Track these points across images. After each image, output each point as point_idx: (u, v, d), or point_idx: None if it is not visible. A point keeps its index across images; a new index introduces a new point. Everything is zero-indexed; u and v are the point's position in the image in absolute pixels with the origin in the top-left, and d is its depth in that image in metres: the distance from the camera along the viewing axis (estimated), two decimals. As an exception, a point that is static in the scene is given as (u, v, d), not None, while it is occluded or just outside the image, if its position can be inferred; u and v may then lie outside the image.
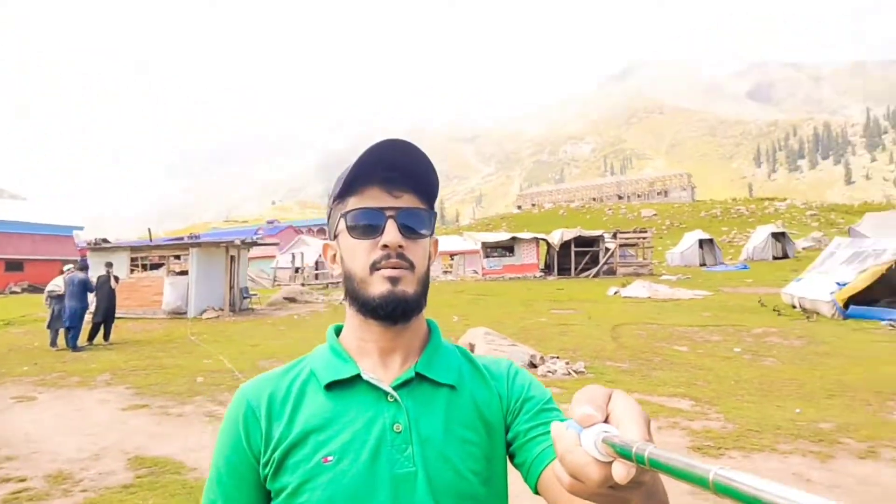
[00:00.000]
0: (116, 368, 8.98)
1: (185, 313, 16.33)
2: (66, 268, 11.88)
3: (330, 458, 0.76)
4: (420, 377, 0.84)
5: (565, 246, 30.94)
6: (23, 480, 4.45)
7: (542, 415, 0.83)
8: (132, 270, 17.24)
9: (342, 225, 0.85)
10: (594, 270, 30.34)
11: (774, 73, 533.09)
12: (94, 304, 11.71)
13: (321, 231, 78.34)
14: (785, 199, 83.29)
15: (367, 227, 0.83)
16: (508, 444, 0.85)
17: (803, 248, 38.45)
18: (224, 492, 0.81)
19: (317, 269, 34.49)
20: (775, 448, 4.87)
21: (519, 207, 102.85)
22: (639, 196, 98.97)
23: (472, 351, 7.46)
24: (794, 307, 14.73)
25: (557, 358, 8.24)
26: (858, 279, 12.91)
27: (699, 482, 0.35)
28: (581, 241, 31.20)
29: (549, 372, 7.63)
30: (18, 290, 36.08)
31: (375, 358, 0.85)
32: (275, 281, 33.49)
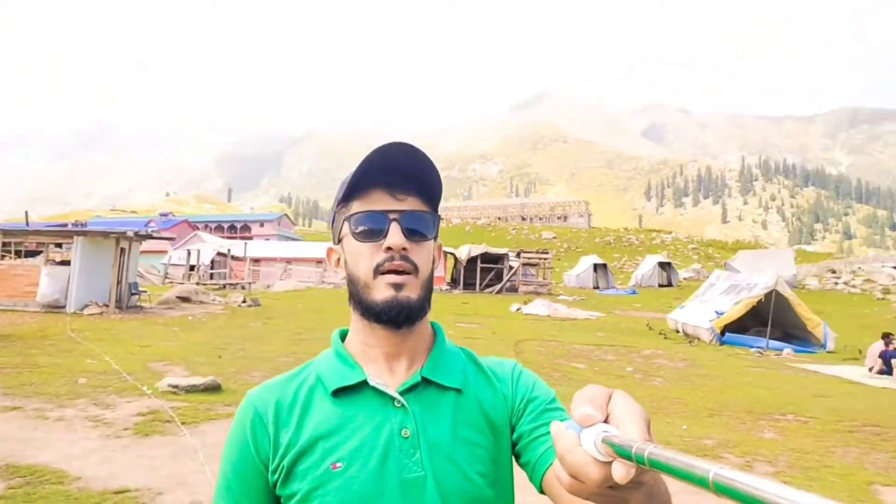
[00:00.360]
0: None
1: (64, 307, 14.83)
2: None
3: (339, 464, 0.76)
4: (426, 382, 0.84)
5: (472, 261, 31.58)
6: None
7: (546, 414, 0.84)
8: (2, 256, 15.43)
9: (346, 228, 0.85)
10: (498, 287, 31.19)
11: (667, 117, 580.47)
12: None
13: (219, 228, 74.54)
14: (670, 233, 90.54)
15: (371, 229, 0.83)
16: (514, 445, 0.86)
17: (685, 279, 41.88)
18: (233, 497, 0.80)
19: (213, 268, 32.73)
20: (667, 462, 5.26)
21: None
22: (540, 219, 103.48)
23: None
24: (677, 332, 16.01)
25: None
26: (733, 310, 14.29)
27: (699, 482, 0.35)
28: (487, 258, 31.99)
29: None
30: None
31: (381, 363, 0.85)
32: (166, 278, 31.35)
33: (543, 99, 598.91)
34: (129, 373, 7.83)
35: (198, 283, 25.23)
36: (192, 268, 30.85)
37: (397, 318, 0.81)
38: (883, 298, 29.59)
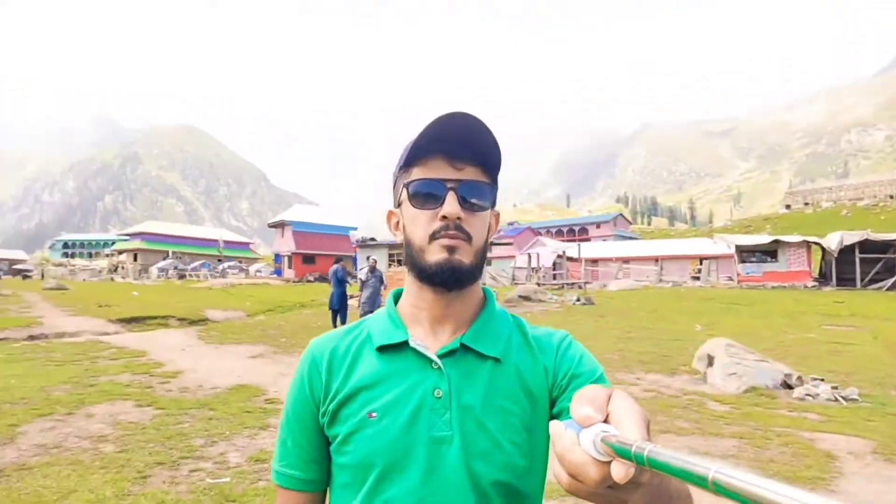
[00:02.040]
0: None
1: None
2: (369, 260, 13.02)
3: (374, 414, 0.82)
4: (465, 348, 0.86)
5: (846, 252, 25.94)
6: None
7: None
8: (389, 265, 19.65)
9: (405, 194, 0.88)
10: (889, 282, 24.83)
11: None
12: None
13: (559, 232, 78.94)
14: None
15: (428, 197, 0.85)
16: (553, 418, 0.83)
17: None
18: (291, 433, 0.90)
19: (554, 269, 34.84)
20: None
21: (788, 207, 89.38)
22: (960, 192, 77.76)
23: (711, 364, 6.62)
24: None
25: (822, 381, 6.98)
26: None
27: (698, 482, 0.35)
28: (868, 247, 25.80)
29: (808, 395, 6.53)
30: (312, 279, 43.95)
31: (426, 326, 0.89)
32: (513, 280, 34.80)
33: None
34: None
35: (538, 284, 27.25)
36: (534, 269, 33.55)
37: (449, 280, 0.84)
38: None
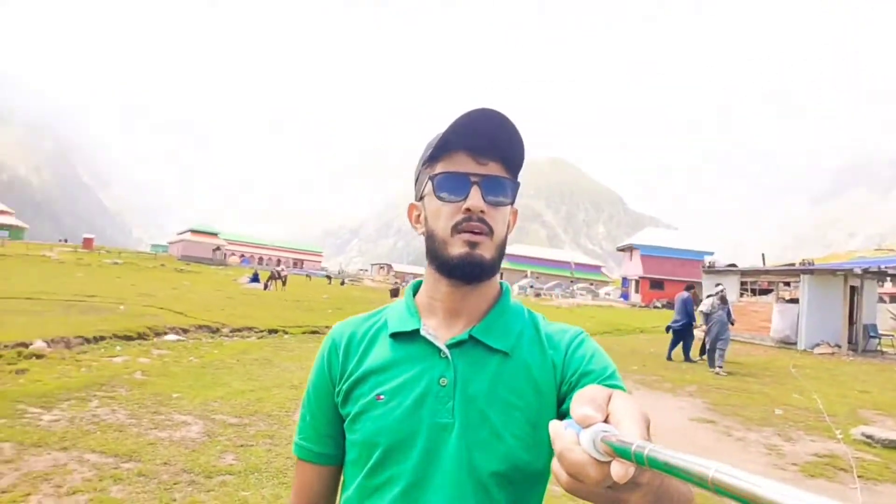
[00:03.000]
0: (704, 383, 9.46)
1: (794, 344, 15.28)
2: (717, 288, 12.00)
3: (382, 396, 0.86)
4: (474, 340, 0.88)
5: None
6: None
7: None
8: (741, 294, 17.50)
9: (429, 187, 0.90)
10: None
11: None
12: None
13: None
14: None
15: (453, 191, 0.86)
16: (562, 416, 0.81)
17: None
18: (310, 409, 0.96)
19: None
20: None
21: None
22: None
23: None
24: None
25: None
26: None
27: (698, 481, 0.34)
28: None
29: None
30: (659, 305, 42.31)
31: (440, 316, 0.92)
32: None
33: None
34: (830, 414, 7.43)
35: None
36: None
37: (469, 273, 0.87)
38: None
